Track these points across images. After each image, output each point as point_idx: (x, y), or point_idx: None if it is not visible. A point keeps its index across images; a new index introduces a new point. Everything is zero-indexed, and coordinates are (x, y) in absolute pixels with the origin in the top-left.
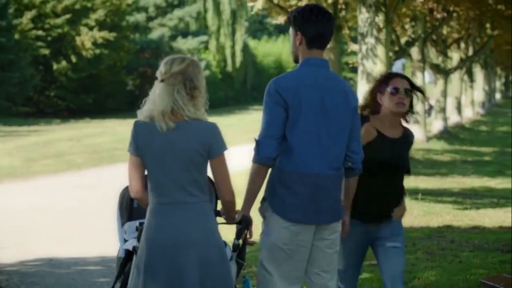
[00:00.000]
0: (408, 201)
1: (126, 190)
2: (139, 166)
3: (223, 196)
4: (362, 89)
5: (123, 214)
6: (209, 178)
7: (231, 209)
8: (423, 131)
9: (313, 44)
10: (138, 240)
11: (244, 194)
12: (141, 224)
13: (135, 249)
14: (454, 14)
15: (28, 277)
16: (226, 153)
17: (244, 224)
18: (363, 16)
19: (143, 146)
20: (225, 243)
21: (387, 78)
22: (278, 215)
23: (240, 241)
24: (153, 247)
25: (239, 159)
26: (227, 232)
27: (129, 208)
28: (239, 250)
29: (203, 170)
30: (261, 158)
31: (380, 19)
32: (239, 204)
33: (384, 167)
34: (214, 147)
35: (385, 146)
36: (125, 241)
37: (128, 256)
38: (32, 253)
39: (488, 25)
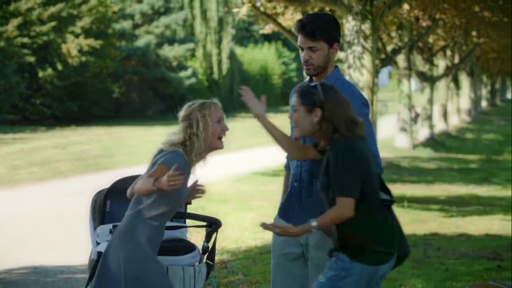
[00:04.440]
0: (394, 209)
1: (98, 195)
2: None
3: None
4: None
5: (96, 218)
6: None
7: None
8: (409, 138)
9: None
10: None
11: None
12: (114, 227)
13: None
14: (440, 22)
15: (13, 286)
16: (212, 159)
17: (214, 226)
18: (349, 24)
19: None
20: (195, 246)
21: None
22: None
23: (210, 244)
24: None
25: (227, 168)
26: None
27: (102, 212)
28: (209, 252)
29: None
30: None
31: (366, 27)
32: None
33: None
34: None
35: None
36: (98, 244)
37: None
38: (17, 261)
39: (474, 33)
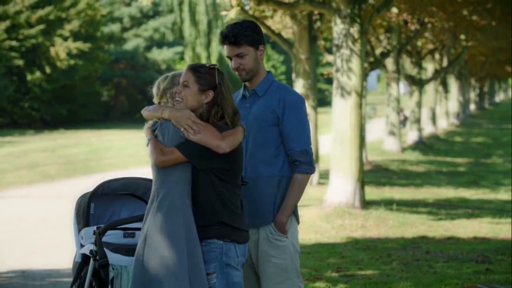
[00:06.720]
0: (383, 212)
1: (82, 198)
2: None
3: None
4: (338, 102)
5: (80, 221)
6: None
7: None
8: (398, 142)
9: None
10: (95, 244)
11: (290, 202)
12: (98, 228)
13: (92, 253)
14: (429, 25)
15: None
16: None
17: None
18: (338, 27)
19: None
20: None
21: None
22: (296, 218)
23: None
24: None
25: None
26: None
27: (86, 215)
28: None
29: None
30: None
31: (355, 30)
32: None
33: None
34: None
35: None
36: (82, 246)
37: (85, 260)
38: (5, 265)
39: (462, 36)
